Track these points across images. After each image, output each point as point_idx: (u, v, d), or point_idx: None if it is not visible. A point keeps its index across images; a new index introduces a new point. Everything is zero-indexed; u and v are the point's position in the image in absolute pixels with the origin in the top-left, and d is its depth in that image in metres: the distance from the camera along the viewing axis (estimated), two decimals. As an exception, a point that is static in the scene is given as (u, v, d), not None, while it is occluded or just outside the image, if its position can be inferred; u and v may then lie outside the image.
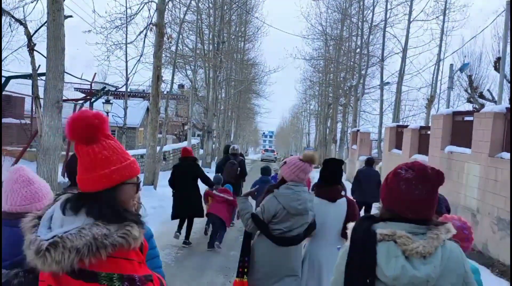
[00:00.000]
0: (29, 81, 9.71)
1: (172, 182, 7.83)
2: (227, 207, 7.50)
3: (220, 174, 8.71)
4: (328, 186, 3.83)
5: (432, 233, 1.77)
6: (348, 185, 10.92)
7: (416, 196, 1.78)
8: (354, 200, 4.18)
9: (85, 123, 1.51)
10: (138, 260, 1.56)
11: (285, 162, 3.78)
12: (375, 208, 12.75)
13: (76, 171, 1.78)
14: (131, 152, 19.85)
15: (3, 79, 8.35)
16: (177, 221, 7.88)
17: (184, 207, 7.59)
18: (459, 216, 2.71)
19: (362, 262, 1.78)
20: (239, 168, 9.06)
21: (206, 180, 7.89)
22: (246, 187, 9.80)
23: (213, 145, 27.88)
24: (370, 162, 10.63)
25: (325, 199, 3.78)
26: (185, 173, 7.63)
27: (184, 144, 25.79)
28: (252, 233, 3.78)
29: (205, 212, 7.77)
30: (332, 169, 3.88)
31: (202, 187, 8.04)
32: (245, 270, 3.65)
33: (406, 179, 1.81)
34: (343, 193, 3.92)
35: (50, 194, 2.17)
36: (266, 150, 56.03)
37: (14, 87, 11.78)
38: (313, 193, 3.95)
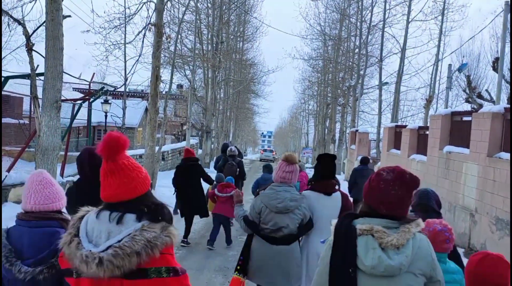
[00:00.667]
0: (28, 81, 9.69)
1: (175, 182, 7.98)
2: (231, 203, 7.51)
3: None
4: (323, 180, 4.03)
5: (404, 227, 2.04)
6: (346, 185, 11.01)
7: (392, 196, 2.04)
8: (348, 194, 4.41)
9: (121, 141, 1.83)
10: (174, 254, 1.87)
11: None
12: None
13: (88, 166, 2.42)
14: (130, 152, 19.84)
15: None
16: (178, 222, 7.85)
17: (188, 207, 7.71)
18: (440, 220, 2.92)
19: (344, 254, 2.03)
20: (238, 169, 9.25)
21: (207, 178, 8.12)
22: (246, 186, 10.04)
23: (212, 145, 27.85)
24: (365, 160, 10.82)
25: (321, 193, 3.97)
26: (187, 173, 7.77)
27: (183, 144, 25.77)
28: (248, 233, 4.03)
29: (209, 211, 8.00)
30: (325, 164, 4.09)
31: (205, 186, 8.20)
32: (238, 267, 3.92)
33: (385, 180, 2.08)
34: (337, 187, 4.13)
35: (65, 196, 2.37)
36: (265, 150, 55.98)
37: (13, 87, 11.76)
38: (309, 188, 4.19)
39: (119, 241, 1.72)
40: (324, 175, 4.04)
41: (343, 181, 16.32)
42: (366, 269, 1.99)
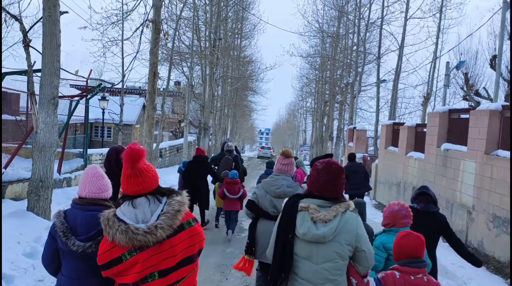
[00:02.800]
0: (25, 78, 9.64)
1: (185, 175, 8.88)
2: (239, 199, 8.55)
3: (216, 166, 9.98)
4: None
5: (334, 207, 2.69)
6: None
7: (321, 181, 2.74)
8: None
9: (140, 152, 2.48)
10: None
11: None
12: (367, 198, 12.99)
13: (114, 161, 3.59)
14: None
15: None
16: None
17: (195, 198, 8.47)
18: (398, 201, 3.78)
19: (287, 224, 2.74)
20: (233, 163, 9.91)
21: (213, 173, 9.21)
22: (248, 182, 10.90)
23: (210, 142, 27.82)
24: (352, 157, 11.28)
25: None
26: (197, 168, 8.76)
27: (180, 141, 25.70)
28: (249, 216, 4.74)
29: (211, 205, 9.16)
30: None
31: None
32: (245, 248, 4.60)
33: (317, 170, 2.78)
34: None
35: (111, 188, 2.93)
36: (263, 147, 55.97)
37: (9, 84, 11.71)
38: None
39: (163, 211, 2.43)
40: None
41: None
42: (300, 235, 2.69)
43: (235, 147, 11.14)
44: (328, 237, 2.62)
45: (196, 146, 12.13)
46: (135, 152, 2.48)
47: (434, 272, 4.26)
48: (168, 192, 2.57)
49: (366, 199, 15.25)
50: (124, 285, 2.47)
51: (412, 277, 2.80)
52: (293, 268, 2.72)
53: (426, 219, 4.17)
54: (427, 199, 4.29)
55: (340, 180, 2.76)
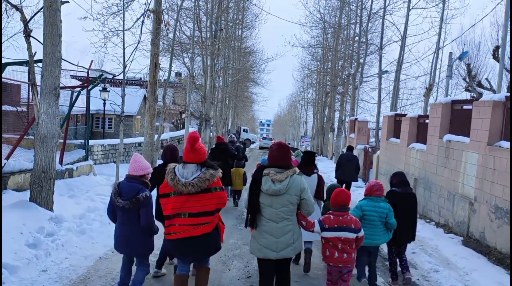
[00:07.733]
0: (26, 68, 9.60)
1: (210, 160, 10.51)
2: None
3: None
4: (306, 166, 6.13)
5: (285, 172, 4.13)
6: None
7: (276, 156, 4.23)
8: (322, 176, 6.55)
9: (197, 137, 4.18)
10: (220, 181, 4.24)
11: None
12: (355, 186, 13.64)
13: (169, 155, 5.58)
14: (129, 140, 19.58)
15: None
16: None
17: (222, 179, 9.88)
18: (375, 180, 5.49)
19: (255, 184, 4.19)
20: (235, 152, 11.42)
21: (237, 156, 10.93)
22: (248, 168, 12.03)
23: (211, 134, 27.78)
24: (350, 148, 12.76)
25: (305, 174, 5.86)
26: (220, 154, 10.25)
27: (181, 132, 25.67)
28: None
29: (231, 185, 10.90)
30: (307, 157, 6.31)
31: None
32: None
33: (273, 149, 4.30)
34: (315, 171, 6.29)
35: (149, 168, 4.62)
36: (264, 138, 56.16)
37: (10, 74, 11.65)
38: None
39: (198, 175, 4.05)
40: (306, 163, 6.18)
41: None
42: (264, 191, 4.14)
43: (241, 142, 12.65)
44: (282, 190, 4.09)
45: (217, 135, 15.13)
46: (194, 138, 4.14)
47: (413, 235, 5.91)
48: (209, 166, 4.14)
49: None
50: (166, 216, 4.15)
51: (341, 218, 4.45)
52: (260, 212, 4.17)
53: (405, 198, 5.82)
54: (405, 184, 5.91)
55: (288, 155, 4.26)
